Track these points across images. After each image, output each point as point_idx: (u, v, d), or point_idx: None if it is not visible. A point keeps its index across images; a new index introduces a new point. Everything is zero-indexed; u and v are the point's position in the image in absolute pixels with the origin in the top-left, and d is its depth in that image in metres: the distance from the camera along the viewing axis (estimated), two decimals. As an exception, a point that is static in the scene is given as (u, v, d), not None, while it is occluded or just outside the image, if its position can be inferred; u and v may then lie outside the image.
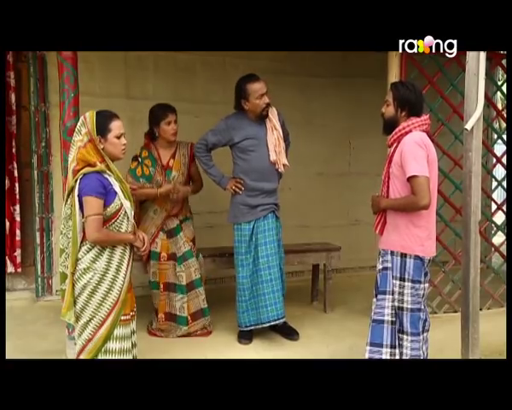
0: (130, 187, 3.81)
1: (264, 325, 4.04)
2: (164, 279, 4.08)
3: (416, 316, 3.05)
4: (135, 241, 2.86)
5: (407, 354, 3.04)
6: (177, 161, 4.10)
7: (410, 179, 2.94)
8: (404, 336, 3.05)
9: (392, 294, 3.05)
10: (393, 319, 3.05)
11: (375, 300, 3.16)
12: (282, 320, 4.04)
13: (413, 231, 3.03)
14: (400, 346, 3.05)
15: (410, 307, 3.04)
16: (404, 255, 3.04)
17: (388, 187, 3.10)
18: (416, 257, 3.03)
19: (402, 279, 3.04)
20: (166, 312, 4.09)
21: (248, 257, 4.02)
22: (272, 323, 4.01)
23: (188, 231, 4.19)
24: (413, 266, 3.03)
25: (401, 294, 3.04)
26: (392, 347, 3.03)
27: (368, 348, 3.08)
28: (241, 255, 4.04)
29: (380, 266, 3.15)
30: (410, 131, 3.03)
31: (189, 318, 4.10)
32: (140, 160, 4.02)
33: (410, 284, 3.03)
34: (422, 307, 3.10)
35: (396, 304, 3.05)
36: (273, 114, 4.05)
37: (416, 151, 2.95)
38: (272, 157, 3.98)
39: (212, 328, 4.22)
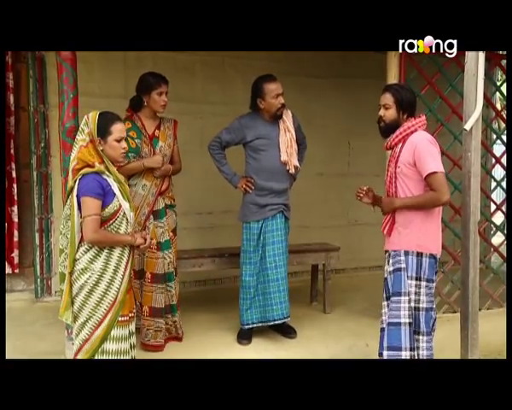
0: (116, 165, 3.71)
1: (269, 324, 4.07)
2: (152, 270, 3.87)
3: (430, 315, 3.06)
4: (133, 242, 2.84)
5: (423, 354, 3.02)
6: (162, 132, 3.96)
7: (429, 176, 2.94)
8: (420, 337, 3.03)
9: (409, 294, 3.01)
10: (410, 320, 3.00)
11: (385, 303, 3.10)
12: (286, 320, 4.07)
13: (428, 230, 3.03)
14: (417, 348, 3.02)
15: (425, 306, 3.03)
16: (419, 254, 3.02)
17: (396, 187, 3.08)
18: (431, 255, 3.03)
19: (418, 279, 3.02)
20: (151, 306, 3.88)
21: (256, 255, 4.06)
22: (277, 322, 4.05)
23: (171, 219, 4.01)
24: (428, 264, 3.02)
25: (417, 294, 3.02)
26: (411, 349, 3.00)
27: (385, 352, 3.02)
28: (249, 253, 4.07)
29: (391, 268, 3.09)
30: (416, 130, 3.04)
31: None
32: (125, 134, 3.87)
33: (425, 283, 3.02)
34: (434, 305, 3.11)
35: (412, 305, 3.01)
36: (287, 116, 4.10)
37: (430, 148, 2.97)
38: (283, 157, 4.02)
39: (182, 333, 4.06)
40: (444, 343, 3.60)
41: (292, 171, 4.08)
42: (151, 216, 3.91)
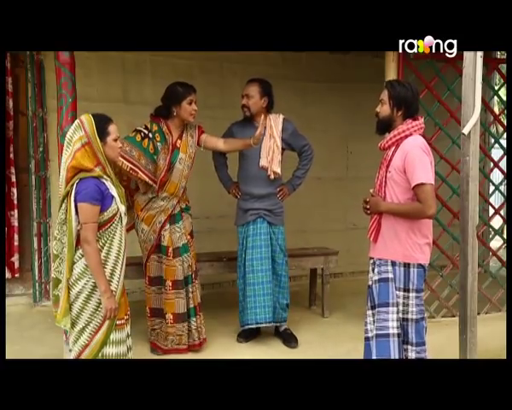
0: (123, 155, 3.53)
1: (245, 327, 4.10)
2: (172, 277, 3.82)
3: (421, 325, 2.96)
4: (106, 296, 2.70)
5: None
6: (184, 142, 3.90)
7: (417, 187, 2.83)
8: (409, 347, 2.95)
9: (397, 305, 2.92)
10: (399, 331, 2.92)
11: (370, 312, 3.02)
12: (264, 325, 4.06)
13: (414, 239, 2.92)
14: (405, 357, 2.95)
15: (414, 317, 2.93)
16: (407, 265, 2.92)
17: (385, 192, 2.98)
18: (419, 266, 2.93)
19: (406, 290, 2.92)
20: (175, 313, 3.83)
21: (241, 259, 4.12)
22: (251, 326, 4.06)
23: (187, 222, 3.98)
24: (417, 275, 2.92)
25: (406, 305, 2.92)
26: None
27: None
28: (240, 257, 4.14)
29: (376, 277, 3.00)
30: (411, 134, 2.93)
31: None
32: (151, 135, 3.79)
33: (414, 294, 2.92)
34: (425, 314, 3.03)
35: (400, 315, 2.93)
36: (276, 121, 4.11)
37: (422, 157, 2.86)
38: (261, 163, 4.03)
39: (202, 340, 3.98)
40: (442, 348, 3.60)
41: (272, 177, 4.05)
42: (167, 224, 3.87)
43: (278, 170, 4.07)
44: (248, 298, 4.01)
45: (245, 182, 4.13)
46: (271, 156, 4.03)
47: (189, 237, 3.97)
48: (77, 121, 2.78)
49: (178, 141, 3.90)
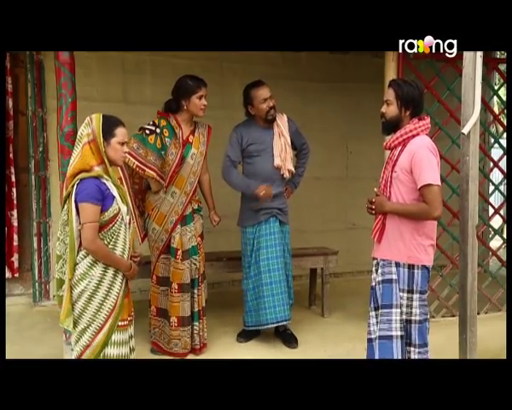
0: (130, 153, 3.52)
1: (263, 327, 4.08)
2: (179, 280, 3.79)
3: (424, 327, 2.95)
4: (127, 270, 2.80)
5: None
6: (196, 138, 3.89)
7: (424, 188, 2.81)
8: (412, 349, 2.93)
9: (400, 307, 2.90)
10: (402, 333, 2.90)
11: (373, 313, 3.01)
12: (284, 323, 4.06)
13: (418, 240, 2.91)
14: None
15: (418, 318, 2.91)
16: (411, 266, 2.90)
17: (390, 192, 2.95)
18: (423, 267, 2.92)
19: (410, 292, 2.90)
20: (180, 316, 3.81)
21: (251, 260, 4.08)
22: (270, 326, 4.04)
23: (198, 224, 3.95)
24: (421, 276, 2.91)
25: (409, 306, 2.90)
26: None
27: None
28: (247, 258, 4.12)
29: (379, 278, 2.98)
30: (418, 134, 2.91)
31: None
32: (158, 130, 3.77)
33: (418, 295, 2.90)
34: (428, 316, 3.02)
35: (404, 317, 2.91)
36: (282, 120, 4.11)
37: (430, 158, 2.84)
38: (276, 162, 4.03)
39: (202, 346, 3.94)
40: (442, 347, 3.60)
41: (286, 175, 4.08)
42: (178, 226, 3.83)
43: (292, 168, 4.10)
44: (266, 298, 3.97)
45: (257, 182, 4.05)
46: (284, 155, 4.05)
47: (199, 238, 3.94)
48: (87, 118, 2.79)
49: (191, 136, 3.89)
